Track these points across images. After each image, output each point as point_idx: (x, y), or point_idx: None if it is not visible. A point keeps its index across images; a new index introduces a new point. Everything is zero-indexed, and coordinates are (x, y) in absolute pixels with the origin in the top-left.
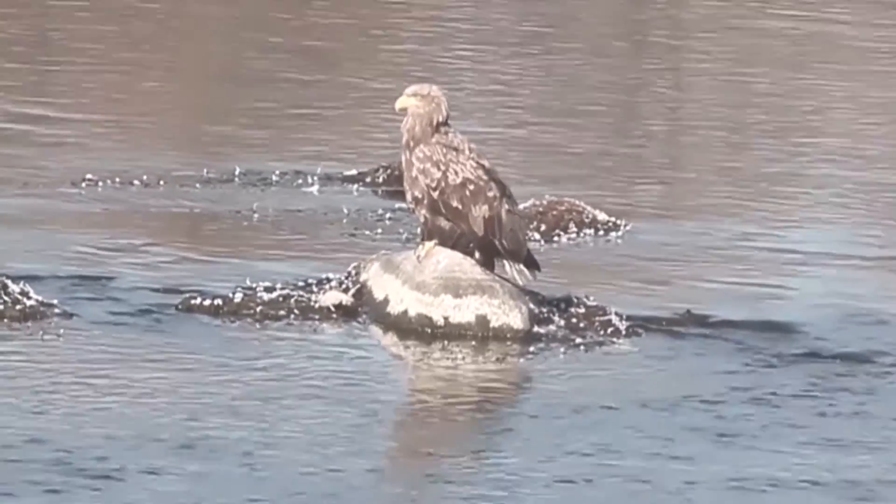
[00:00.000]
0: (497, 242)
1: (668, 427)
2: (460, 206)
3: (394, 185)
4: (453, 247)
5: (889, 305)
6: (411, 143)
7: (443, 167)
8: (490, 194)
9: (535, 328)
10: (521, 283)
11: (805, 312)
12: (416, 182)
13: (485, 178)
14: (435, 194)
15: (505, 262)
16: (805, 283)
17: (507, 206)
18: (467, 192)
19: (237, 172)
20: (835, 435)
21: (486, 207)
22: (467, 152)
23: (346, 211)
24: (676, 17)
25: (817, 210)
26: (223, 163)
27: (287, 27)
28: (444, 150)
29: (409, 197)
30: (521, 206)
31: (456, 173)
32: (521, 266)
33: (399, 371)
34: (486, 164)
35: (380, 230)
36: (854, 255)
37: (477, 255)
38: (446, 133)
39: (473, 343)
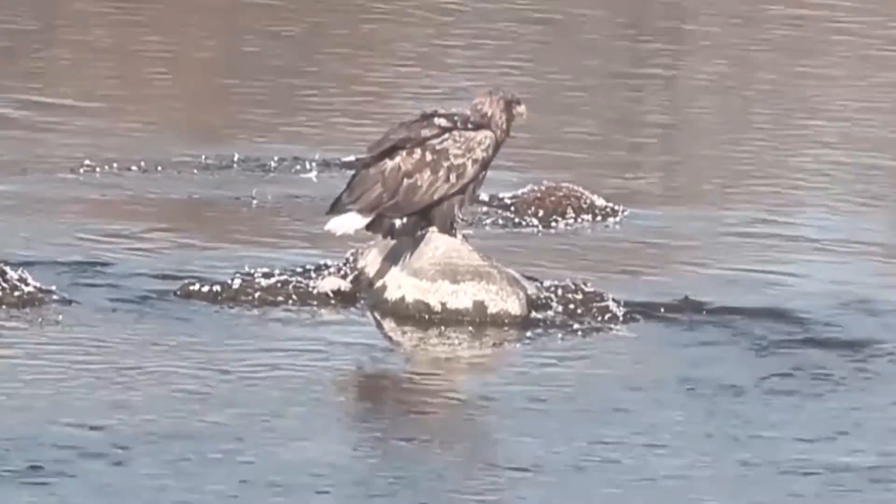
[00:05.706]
0: None
1: (665, 413)
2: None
3: None
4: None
5: (890, 293)
6: None
7: None
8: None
9: (533, 314)
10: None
11: (804, 299)
12: None
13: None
14: None
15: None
16: (804, 269)
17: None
18: None
19: (236, 158)
20: (835, 422)
21: None
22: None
23: None
24: (677, 1)
25: (817, 196)
26: (221, 149)
27: (285, 14)
28: None
29: None
30: (518, 192)
31: None
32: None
33: (396, 357)
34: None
35: None
36: (855, 242)
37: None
38: None
39: (471, 329)
